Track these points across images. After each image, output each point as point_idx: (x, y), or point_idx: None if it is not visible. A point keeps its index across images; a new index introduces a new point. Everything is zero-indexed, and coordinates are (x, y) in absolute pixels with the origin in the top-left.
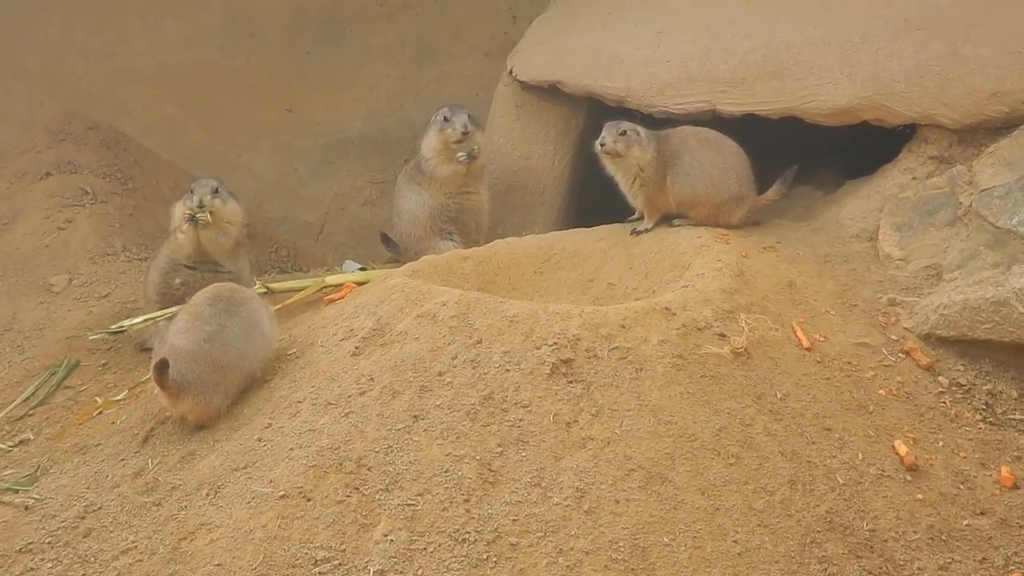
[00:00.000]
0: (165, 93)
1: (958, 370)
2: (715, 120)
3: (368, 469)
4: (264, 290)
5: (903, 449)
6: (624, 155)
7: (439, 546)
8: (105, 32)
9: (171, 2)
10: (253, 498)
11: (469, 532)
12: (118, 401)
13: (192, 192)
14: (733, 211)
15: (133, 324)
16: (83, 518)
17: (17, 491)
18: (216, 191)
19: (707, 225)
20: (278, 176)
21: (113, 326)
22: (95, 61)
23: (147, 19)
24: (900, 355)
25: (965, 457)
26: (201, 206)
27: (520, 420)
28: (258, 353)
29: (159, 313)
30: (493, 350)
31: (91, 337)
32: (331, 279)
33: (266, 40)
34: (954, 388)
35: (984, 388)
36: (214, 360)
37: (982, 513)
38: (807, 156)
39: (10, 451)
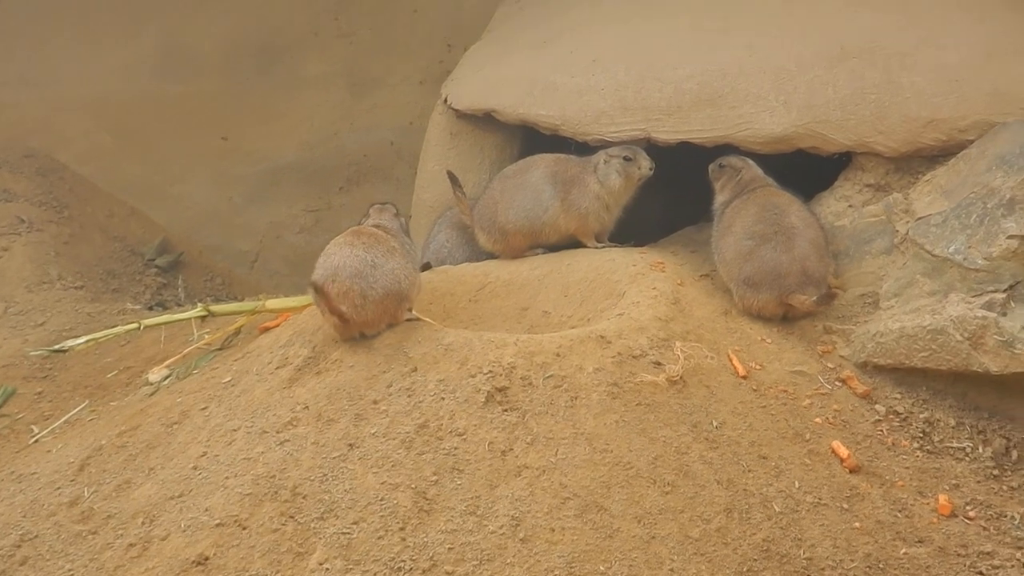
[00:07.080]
0: (101, 122)
1: (895, 398)
2: (650, 148)
3: (303, 497)
4: (205, 313)
5: (843, 451)
6: None
7: (375, 575)
8: (41, 61)
9: (107, 31)
10: (188, 526)
11: (404, 561)
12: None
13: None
14: None
15: (76, 344)
16: (19, 547)
17: None
18: None
19: None
20: (213, 204)
21: (56, 345)
22: (31, 90)
23: (83, 48)
24: (837, 383)
25: (902, 486)
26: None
27: (455, 448)
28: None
29: (103, 333)
30: (428, 378)
31: (32, 354)
32: (271, 303)
33: (202, 69)
34: (891, 416)
35: (921, 416)
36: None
37: (920, 542)
38: None
39: None
